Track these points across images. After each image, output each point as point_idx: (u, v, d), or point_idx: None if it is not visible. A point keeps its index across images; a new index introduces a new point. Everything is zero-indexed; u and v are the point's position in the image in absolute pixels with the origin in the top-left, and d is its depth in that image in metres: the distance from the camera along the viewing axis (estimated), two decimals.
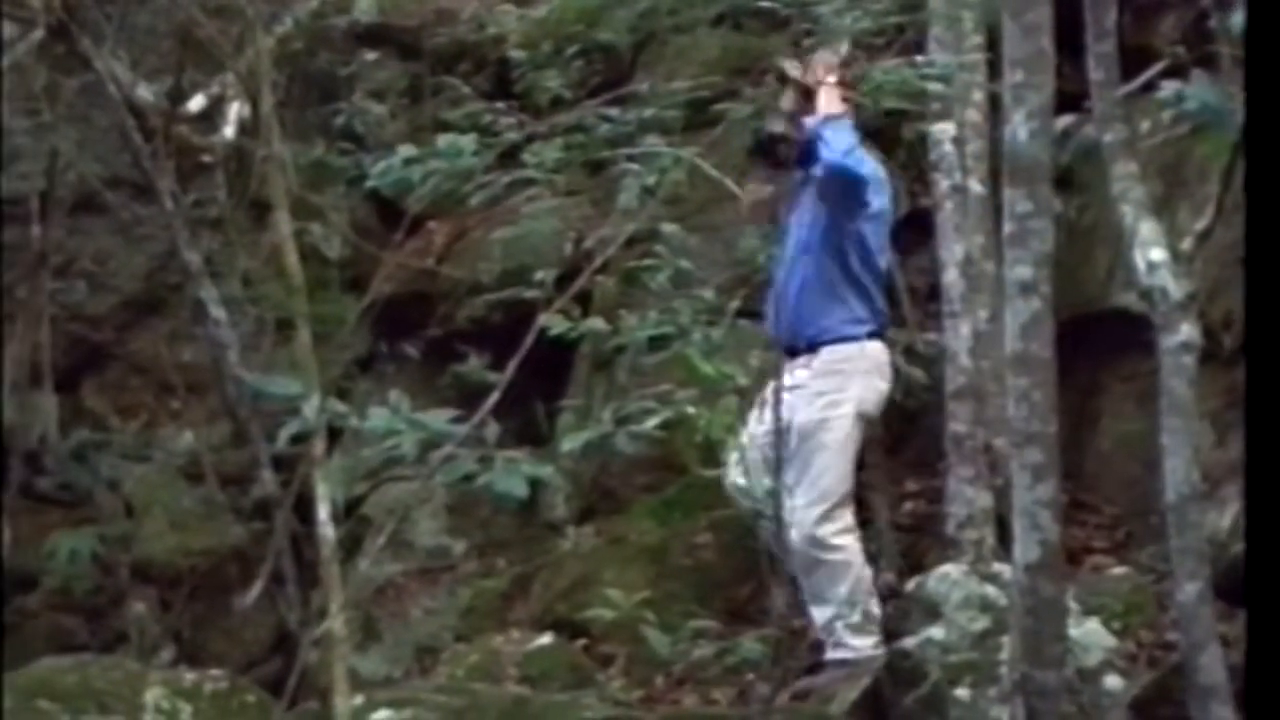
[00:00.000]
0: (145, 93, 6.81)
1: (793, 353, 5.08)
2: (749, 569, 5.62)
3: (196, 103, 7.22)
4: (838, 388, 5.12)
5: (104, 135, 7.03)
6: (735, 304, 5.29)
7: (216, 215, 6.75)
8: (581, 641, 5.83)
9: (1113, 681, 4.80)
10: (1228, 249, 4.76)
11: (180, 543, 6.42)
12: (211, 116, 7.24)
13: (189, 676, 5.17)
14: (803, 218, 5.26)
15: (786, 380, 4.88)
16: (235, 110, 7.20)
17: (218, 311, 6.47)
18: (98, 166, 7.05)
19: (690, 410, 4.95)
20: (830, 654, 5.01)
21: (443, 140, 5.51)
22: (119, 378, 7.17)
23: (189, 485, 6.64)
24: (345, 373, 6.55)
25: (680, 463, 5.67)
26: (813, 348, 5.16)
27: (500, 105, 5.96)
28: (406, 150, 5.56)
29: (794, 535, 4.94)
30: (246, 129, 7.05)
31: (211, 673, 5.24)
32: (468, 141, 5.49)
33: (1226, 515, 5.05)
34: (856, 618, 4.93)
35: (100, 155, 7.12)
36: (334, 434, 5.49)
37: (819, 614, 5.02)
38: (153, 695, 4.93)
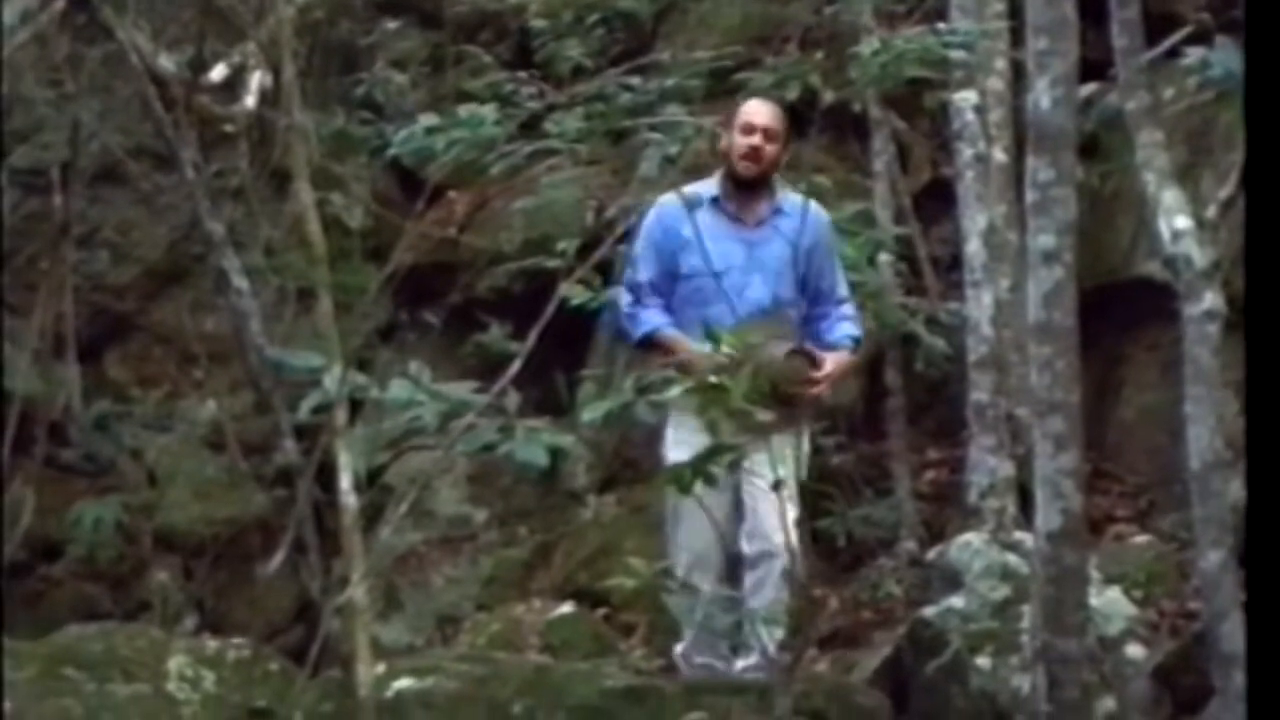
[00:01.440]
0: (167, 63, 6.81)
1: None
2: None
3: (218, 72, 7.22)
4: None
5: (126, 105, 7.04)
6: None
7: (238, 185, 6.76)
8: (602, 610, 5.85)
9: (1134, 650, 4.80)
10: None
11: (203, 512, 6.45)
12: (233, 86, 7.25)
13: (212, 644, 5.19)
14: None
15: None
16: (257, 80, 7.20)
17: (240, 281, 6.48)
18: (120, 137, 7.07)
19: (711, 378, 4.94)
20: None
21: (464, 110, 5.50)
22: (142, 348, 7.20)
23: (211, 454, 6.67)
24: (367, 342, 6.56)
25: None
26: None
27: (521, 74, 5.95)
28: (428, 120, 5.56)
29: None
30: (268, 98, 7.05)
31: (234, 641, 5.26)
32: (489, 111, 5.49)
33: None
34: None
35: (122, 125, 7.14)
36: (356, 404, 5.52)
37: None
38: (176, 663, 4.95)
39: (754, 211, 4.97)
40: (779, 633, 4.84)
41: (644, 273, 4.98)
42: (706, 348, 4.59)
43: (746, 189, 4.94)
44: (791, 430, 4.69)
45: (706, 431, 4.46)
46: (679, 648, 5.15)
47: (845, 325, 4.99)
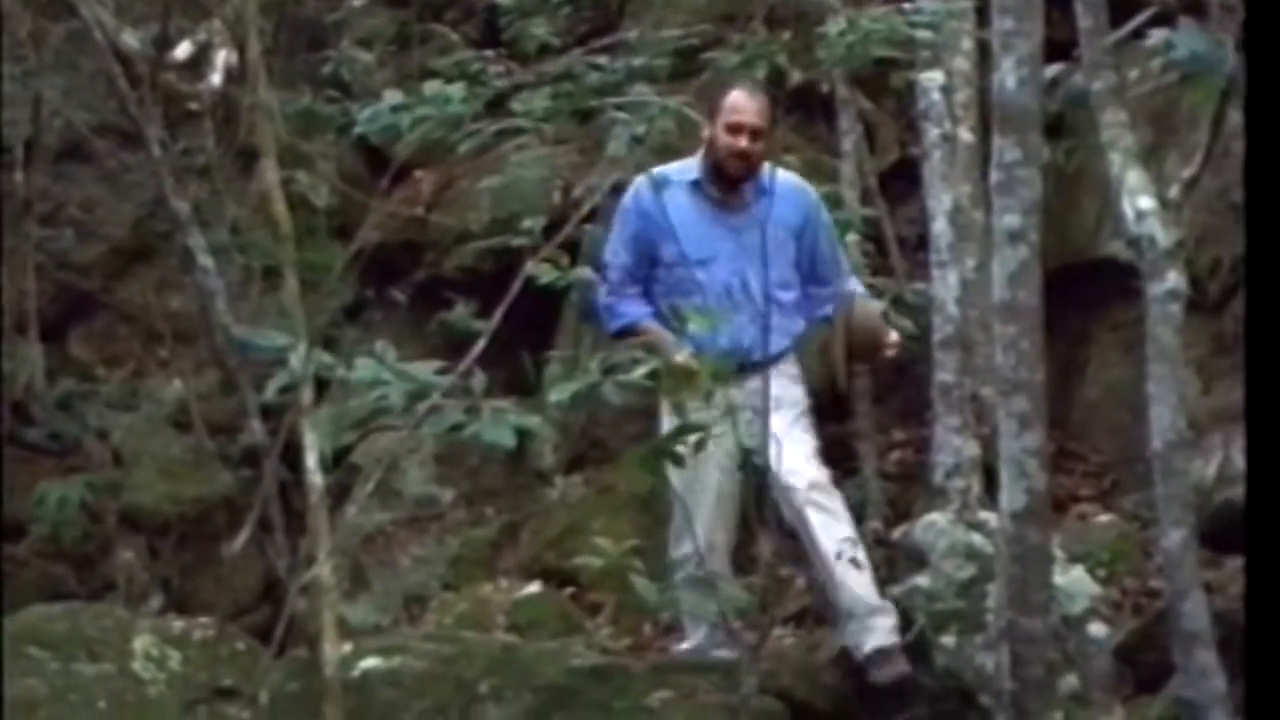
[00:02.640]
0: (131, 39, 6.76)
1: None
2: (736, 517, 5.63)
3: (183, 50, 7.18)
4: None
5: (90, 82, 6.99)
6: None
7: (204, 163, 6.72)
8: (570, 590, 5.86)
9: (1097, 628, 4.84)
10: (1215, 197, 4.77)
11: (169, 491, 6.43)
12: (198, 64, 7.21)
13: (177, 624, 5.19)
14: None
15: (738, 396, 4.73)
16: (222, 57, 7.17)
17: (205, 260, 6.45)
18: (84, 114, 7.02)
19: (679, 358, 4.94)
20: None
21: (430, 88, 5.49)
22: (106, 326, 7.16)
23: (177, 434, 6.64)
24: (333, 320, 6.54)
25: None
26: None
27: (488, 53, 5.94)
28: (394, 98, 5.54)
29: (798, 484, 4.85)
30: (234, 76, 7.01)
31: (200, 620, 5.26)
32: (456, 89, 5.47)
33: (1212, 463, 5.08)
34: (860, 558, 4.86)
35: (87, 102, 7.09)
36: (322, 383, 5.51)
37: (829, 549, 4.88)
38: (141, 642, 4.95)
39: (739, 195, 4.83)
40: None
41: (621, 258, 4.85)
42: (686, 344, 4.57)
43: (737, 180, 4.81)
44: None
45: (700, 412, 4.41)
46: (686, 645, 5.03)
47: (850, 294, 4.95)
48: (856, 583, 4.73)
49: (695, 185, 4.81)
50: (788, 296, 4.85)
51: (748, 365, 4.65)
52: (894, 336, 5.00)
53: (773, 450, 4.63)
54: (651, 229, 4.79)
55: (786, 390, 4.82)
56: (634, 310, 4.84)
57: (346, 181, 6.97)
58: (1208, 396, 5.30)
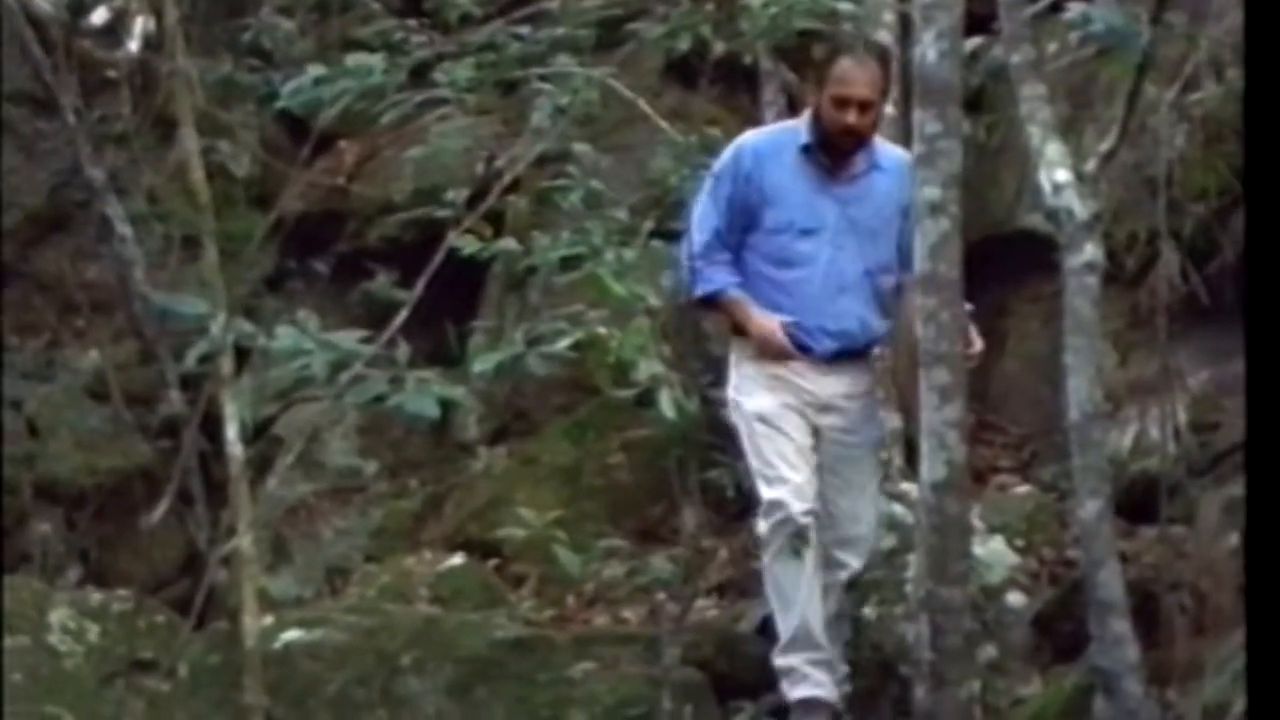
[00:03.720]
0: (45, 4, 6.66)
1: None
2: (661, 489, 5.64)
3: (99, 15, 7.08)
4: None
5: (3, 48, 6.87)
6: (648, 224, 5.28)
7: (121, 131, 6.63)
8: (493, 561, 5.85)
9: (1015, 598, 4.89)
10: (1131, 170, 4.82)
11: (86, 462, 6.35)
12: (115, 30, 7.10)
13: (95, 596, 5.15)
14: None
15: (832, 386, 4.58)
16: (140, 24, 7.06)
17: (123, 228, 6.38)
18: None
19: (602, 331, 4.95)
20: None
21: (352, 59, 5.45)
22: (22, 296, 7.04)
23: (94, 404, 6.56)
24: (253, 291, 6.49)
25: (593, 383, 5.67)
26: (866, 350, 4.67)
27: (410, 22, 5.89)
28: (316, 69, 5.49)
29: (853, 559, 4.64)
30: (151, 43, 6.92)
31: (118, 593, 5.22)
32: (377, 60, 5.43)
33: (1128, 434, 5.14)
34: None
35: None
36: (243, 353, 5.46)
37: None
38: (58, 615, 4.91)
39: (850, 165, 4.52)
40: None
41: (711, 220, 4.54)
42: (775, 317, 4.43)
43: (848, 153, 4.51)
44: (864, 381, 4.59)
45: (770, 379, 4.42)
46: (777, 658, 4.54)
47: None
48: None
49: (805, 151, 4.50)
50: (889, 281, 4.56)
51: (845, 353, 4.54)
52: (978, 344, 4.49)
53: (842, 495, 4.52)
54: (751, 193, 4.50)
55: (873, 411, 4.66)
56: (721, 278, 4.55)
57: (268, 151, 6.91)
58: (1124, 369, 5.37)
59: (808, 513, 4.46)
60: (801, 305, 4.51)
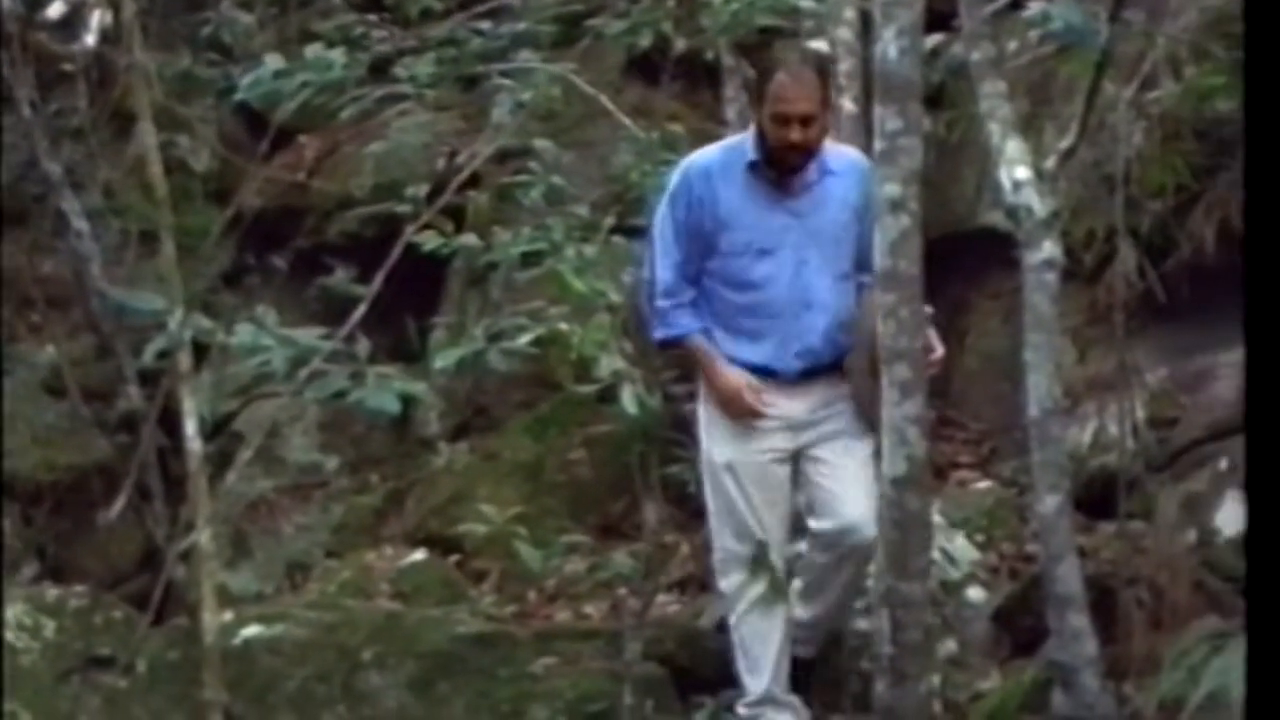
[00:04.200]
0: None
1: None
2: (622, 485, 5.65)
3: (55, 9, 7.03)
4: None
5: None
6: (609, 221, 5.28)
7: (78, 125, 6.59)
8: (454, 557, 5.84)
9: (975, 593, 4.91)
10: (1090, 168, 4.84)
11: (43, 458, 6.31)
12: (72, 23, 7.05)
13: (52, 592, 5.12)
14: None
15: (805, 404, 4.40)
16: (97, 17, 7.02)
17: (80, 223, 6.34)
18: None
19: (563, 327, 4.94)
20: None
21: (311, 53, 5.42)
22: None
23: (51, 400, 6.52)
24: (212, 286, 6.46)
25: (554, 379, 5.67)
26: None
27: (370, 17, 5.88)
28: (275, 63, 5.47)
29: (857, 541, 4.37)
30: (108, 37, 6.87)
31: (75, 588, 5.19)
32: (337, 54, 5.41)
33: (1086, 430, 5.17)
34: None
35: None
36: (201, 349, 5.43)
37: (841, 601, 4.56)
38: (15, 611, 4.87)
39: (801, 176, 4.34)
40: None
41: (673, 253, 4.34)
42: (736, 371, 4.27)
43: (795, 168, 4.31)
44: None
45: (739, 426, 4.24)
46: (741, 709, 4.48)
47: None
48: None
49: (753, 168, 4.31)
50: (848, 288, 4.41)
51: (815, 370, 4.40)
52: (939, 348, 4.34)
53: (836, 490, 4.33)
54: (705, 217, 4.30)
55: (851, 412, 4.40)
56: (684, 322, 4.37)
57: (227, 146, 6.87)
58: (1083, 365, 5.39)
59: (775, 568, 4.35)
60: (766, 327, 4.36)
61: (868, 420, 4.22)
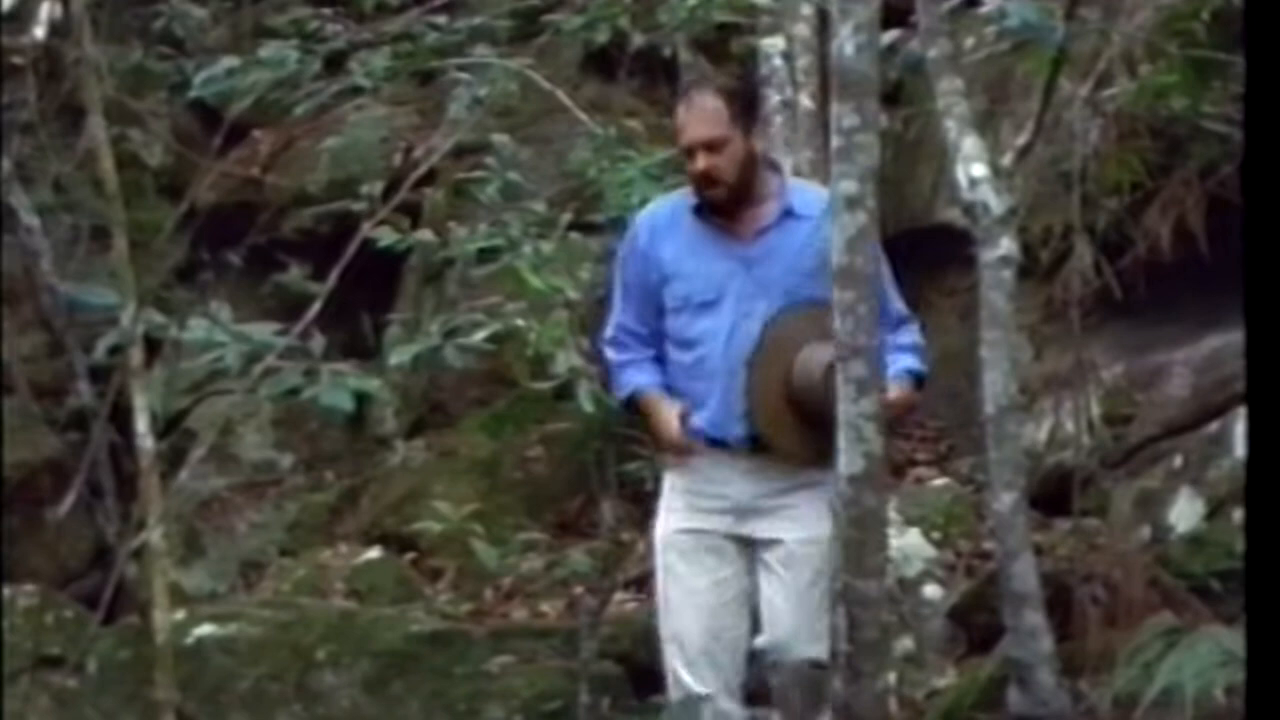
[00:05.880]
0: None
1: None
2: (579, 482, 5.64)
3: (5, 2, 6.95)
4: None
5: None
6: (566, 217, 5.26)
7: (27, 119, 6.53)
8: (410, 555, 5.82)
9: (932, 590, 4.92)
10: (1047, 165, 4.86)
11: None
12: (20, 16, 6.98)
13: (1, 591, 5.07)
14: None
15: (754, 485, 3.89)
16: (46, 10, 6.95)
17: (29, 219, 6.29)
18: None
19: (520, 323, 4.93)
20: None
21: (266, 48, 5.39)
22: None
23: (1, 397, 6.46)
24: (165, 282, 6.41)
25: (510, 376, 5.65)
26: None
27: (325, 11, 5.84)
28: (230, 60, 5.43)
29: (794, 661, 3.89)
30: (58, 30, 6.80)
31: (25, 587, 5.14)
32: (292, 49, 5.38)
33: (1043, 428, 5.18)
34: None
35: None
36: (154, 345, 5.38)
37: None
38: None
39: (751, 219, 3.88)
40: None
41: (619, 313, 3.97)
42: (676, 406, 3.80)
43: (724, 204, 3.88)
44: (821, 474, 3.76)
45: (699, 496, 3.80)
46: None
47: (900, 356, 3.89)
48: None
49: (698, 211, 3.89)
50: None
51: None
52: (893, 393, 3.80)
53: (775, 601, 3.82)
54: (651, 271, 3.90)
55: (811, 502, 3.87)
56: (633, 378, 3.92)
57: (181, 140, 6.82)
58: (1039, 362, 5.41)
59: (707, 696, 3.84)
60: (706, 389, 3.86)
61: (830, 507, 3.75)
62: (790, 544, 3.86)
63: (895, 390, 3.78)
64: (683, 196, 3.97)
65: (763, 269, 3.86)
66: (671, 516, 3.93)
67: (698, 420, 3.87)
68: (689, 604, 3.86)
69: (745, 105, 3.92)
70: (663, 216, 3.96)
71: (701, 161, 3.81)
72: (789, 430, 3.84)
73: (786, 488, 3.89)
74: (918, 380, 3.95)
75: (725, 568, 3.88)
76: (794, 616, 3.84)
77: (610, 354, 3.99)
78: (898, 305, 4.00)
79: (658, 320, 3.92)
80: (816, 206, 3.86)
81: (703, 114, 3.83)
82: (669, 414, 3.87)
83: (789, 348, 3.81)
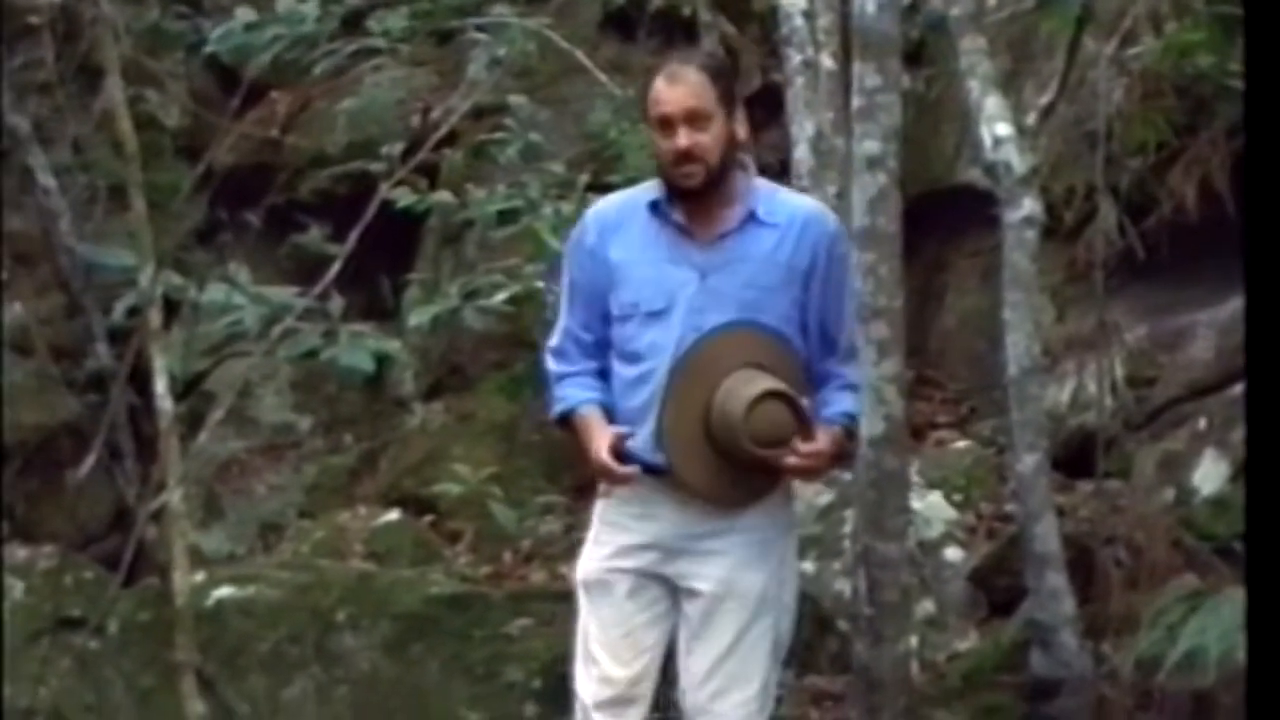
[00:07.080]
0: None
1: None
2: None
3: None
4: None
5: None
6: (585, 178, 5.24)
7: (44, 79, 6.51)
8: (429, 518, 5.82)
9: (953, 553, 4.90)
10: (1071, 124, 4.81)
11: (11, 417, 6.23)
12: None
13: (21, 553, 5.08)
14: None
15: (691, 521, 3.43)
16: None
17: (47, 179, 6.28)
18: None
19: (539, 285, 4.91)
20: None
21: (283, 6, 5.36)
22: None
23: (19, 359, 6.46)
24: (183, 244, 6.39)
25: (529, 338, 5.63)
26: None
27: None
28: (246, 16, 5.40)
29: None
30: None
31: (45, 549, 5.15)
32: (310, 7, 5.35)
33: (1065, 389, 5.15)
34: None
35: None
36: (172, 306, 5.37)
37: None
38: None
39: (713, 220, 3.42)
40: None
41: (564, 318, 3.54)
42: (611, 429, 3.34)
43: (697, 193, 3.41)
44: (748, 510, 3.38)
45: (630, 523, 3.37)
46: None
47: (842, 397, 3.42)
48: None
49: (654, 208, 3.46)
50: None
51: None
52: (821, 442, 3.35)
53: (692, 662, 3.42)
54: (599, 274, 3.48)
55: (745, 547, 3.43)
56: (573, 394, 3.48)
57: (198, 101, 6.79)
58: (1062, 323, 5.37)
59: None
60: (646, 410, 3.41)
61: (772, 556, 3.40)
62: (709, 598, 3.41)
63: (825, 438, 3.34)
64: (638, 192, 3.54)
65: (718, 278, 3.41)
66: (596, 550, 3.49)
67: (635, 443, 3.40)
68: (606, 646, 3.46)
69: (728, 85, 3.46)
70: (614, 213, 3.52)
71: (684, 136, 3.35)
72: (700, 463, 3.35)
73: (717, 529, 3.42)
74: (850, 424, 3.47)
75: (644, 611, 3.45)
76: (707, 680, 3.43)
77: (550, 364, 3.55)
78: (852, 337, 3.55)
79: (604, 328, 3.49)
80: (784, 213, 3.42)
81: (687, 85, 3.39)
82: (602, 438, 3.39)
83: (716, 371, 3.32)
